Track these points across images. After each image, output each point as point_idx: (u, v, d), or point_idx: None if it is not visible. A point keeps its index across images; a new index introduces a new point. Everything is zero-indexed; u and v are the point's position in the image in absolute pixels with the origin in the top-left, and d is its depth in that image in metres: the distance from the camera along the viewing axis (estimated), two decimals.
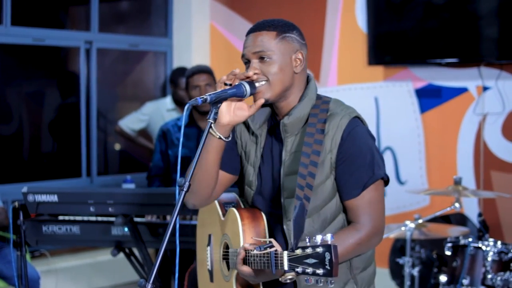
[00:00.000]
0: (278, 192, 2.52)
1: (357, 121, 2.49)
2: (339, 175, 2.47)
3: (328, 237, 2.06)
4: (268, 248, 2.25)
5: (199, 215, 2.89)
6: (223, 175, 2.59)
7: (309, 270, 2.06)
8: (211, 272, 2.76)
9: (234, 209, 2.55)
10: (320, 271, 2.04)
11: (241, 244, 2.48)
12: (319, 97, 2.55)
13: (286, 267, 2.13)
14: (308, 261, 2.06)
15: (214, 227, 2.72)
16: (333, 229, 2.49)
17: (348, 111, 2.51)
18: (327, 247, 2.03)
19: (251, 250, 2.36)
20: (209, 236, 2.77)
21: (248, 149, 2.60)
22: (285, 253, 2.14)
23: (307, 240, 2.11)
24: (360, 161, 2.45)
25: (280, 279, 2.28)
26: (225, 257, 2.64)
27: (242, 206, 2.66)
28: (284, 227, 2.49)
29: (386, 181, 2.51)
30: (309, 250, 2.07)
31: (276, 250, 2.23)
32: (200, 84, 4.49)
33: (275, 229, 2.53)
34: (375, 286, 2.63)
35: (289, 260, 2.12)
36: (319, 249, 2.05)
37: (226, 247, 2.64)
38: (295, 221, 2.25)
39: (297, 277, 2.32)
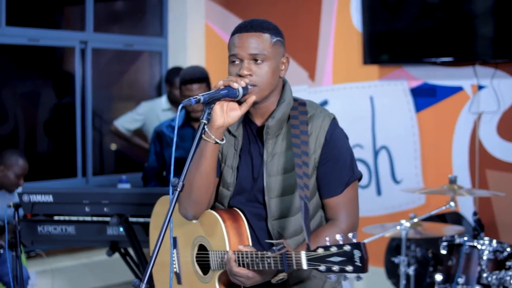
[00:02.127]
0: (260, 193, 2.55)
1: (336, 122, 2.59)
2: (322, 174, 2.55)
3: (351, 235, 2.13)
4: (281, 250, 2.29)
5: (153, 216, 2.90)
6: (215, 180, 2.59)
7: (336, 268, 2.13)
8: (178, 275, 2.76)
9: (212, 211, 2.57)
10: (349, 268, 2.11)
11: (227, 246, 2.50)
12: (294, 99, 2.61)
13: (305, 266, 2.21)
14: (333, 259, 2.13)
15: (180, 230, 2.72)
16: (313, 226, 2.57)
17: (326, 112, 2.59)
18: (356, 245, 2.11)
19: (250, 253, 2.38)
20: (174, 238, 2.76)
21: (225, 151, 2.62)
22: (303, 253, 2.21)
23: (327, 239, 2.18)
24: (343, 161, 2.55)
25: (272, 280, 2.35)
26: (200, 259, 2.65)
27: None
28: (269, 226, 2.54)
29: (359, 179, 2.63)
30: (333, 249, 2.14)
31: (287, 251, 2.28)
32: (193, 95, 4.44)
33: (257, 229, 2.56)
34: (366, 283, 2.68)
35: (309, 260, 2.19)
36: (347, 248, 2.12)
37: (200, 249, 2.64)
38: (304, 221, 2.32)
39: (288, 277, 2.38)
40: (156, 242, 2.20)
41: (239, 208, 2.59)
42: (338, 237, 2.14)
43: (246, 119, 2.60)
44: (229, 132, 2.61)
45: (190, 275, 2.69)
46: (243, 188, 2.58)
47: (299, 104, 2.59)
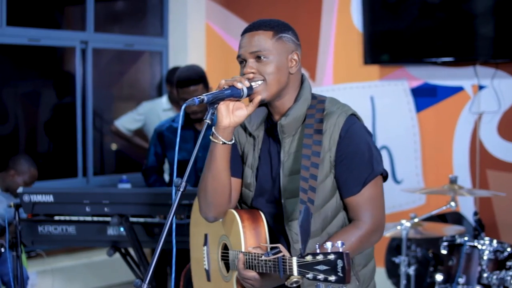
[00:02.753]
0: (279, 193, 2.50)
1: (353, 118, 2.50)
2: (339, 173, 2.46)
3: (339, 244, 2.07)
4: (276, 254, 2.26)
5: (192, 213, 2.88)
6: (235, 181, 2.56)
7: (321, 276, 2.07)
8: (208, 272, 2.75)
9: (233, 211, 2.54)
10: (332, 278, 2.05)
11: (242, 246, 2.47)
12: (314, 96, 2.54)
13: (295, 273, 2.15)
14: (319, 267, 2.08)
15: (210, 227, 2.71)
16: (334, 228, 2.49)
17: (344, 109, 2.51)
18: (339, 254, 2.05)
19: (256, 254, 2.36)
20: (206, 235, 2.76)
21: (246, 151, 2.58)
22: (294, 259, 2.16)
23: (317, 247, 2.12)
24: (359, 158, 2.45)
25: (286, 282, 2.28)
26: (224, 257, 2.64)
27: (238, 207, 2.65)
28: (286, 227, 2.49)
29: (385, 177, 2.52)
30: (320, 257, 2.08)
31: (283, 256, 2.23)
32: (190, 97, 4.35)
33: (277, 230, 2.52)
34: (375, 281, 2.63)
35: (299, 266, 2.14)
36: (331, 256, 2.06)
37: (225, 248, 2.63)
38: (301, 226, 2.23)
39: (302, 280, 2.34)
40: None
41: (261, 209, 2.55)
42: (327, 244, 2.09)
43: (269, 118, 2.56)
44: (249, 133, 2.57)
45: (217, 272, 2.69)
46: (263, 189, 2.54)
47: (318, 101, 2.52)
